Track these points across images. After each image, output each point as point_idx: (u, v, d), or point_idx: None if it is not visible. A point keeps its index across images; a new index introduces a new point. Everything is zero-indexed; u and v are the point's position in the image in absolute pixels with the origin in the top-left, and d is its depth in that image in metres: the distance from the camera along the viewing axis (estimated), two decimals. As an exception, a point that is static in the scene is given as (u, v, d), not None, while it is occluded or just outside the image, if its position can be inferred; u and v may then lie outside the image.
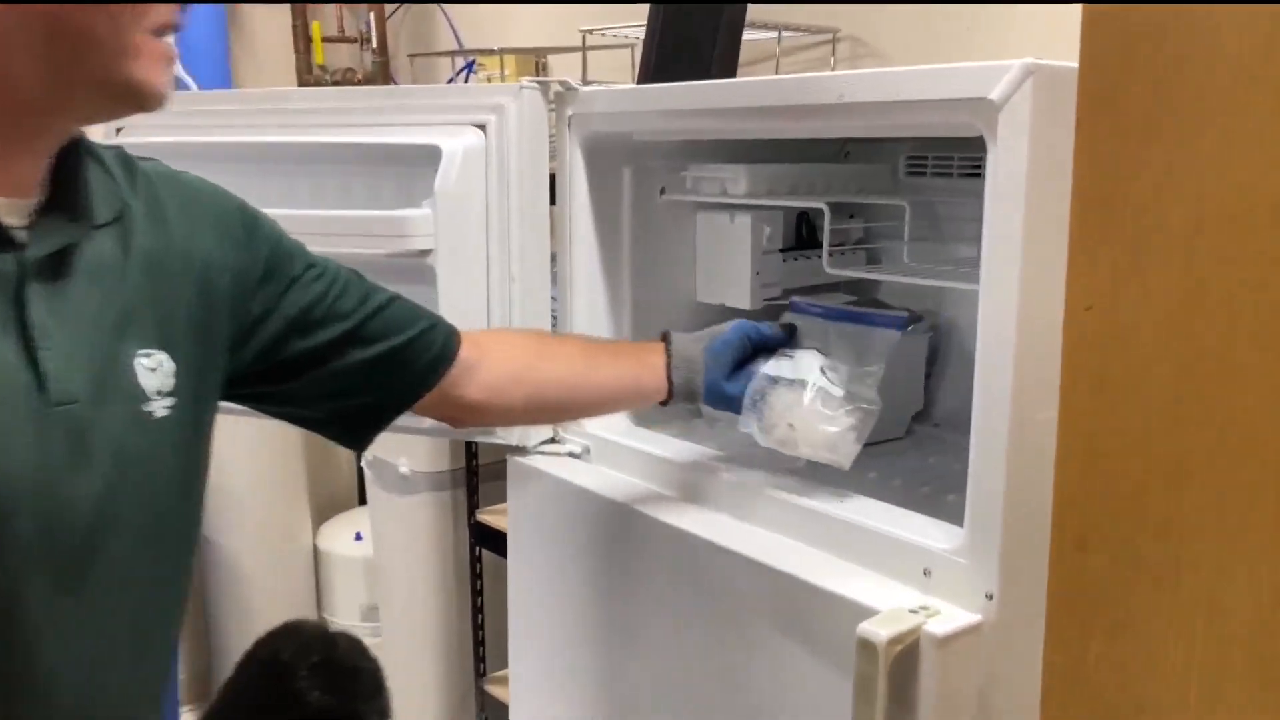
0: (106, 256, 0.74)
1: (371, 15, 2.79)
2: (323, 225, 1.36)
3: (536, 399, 1.08)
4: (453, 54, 2.55)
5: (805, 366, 1.13)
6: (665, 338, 1.15)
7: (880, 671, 0.89)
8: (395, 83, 2.86)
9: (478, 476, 2.17)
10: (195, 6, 2.49)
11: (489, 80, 2.49)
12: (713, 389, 1.14)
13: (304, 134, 1.44)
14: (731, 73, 1.54)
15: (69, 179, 0.73)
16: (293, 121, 1.47)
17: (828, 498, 1.11)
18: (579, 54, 2.05)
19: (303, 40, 2.87)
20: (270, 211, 1.42)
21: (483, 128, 1.34)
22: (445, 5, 2.79)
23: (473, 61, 2.59)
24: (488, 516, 2.12)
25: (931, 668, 0.91)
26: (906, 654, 0.90)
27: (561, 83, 1.35)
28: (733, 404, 1.14)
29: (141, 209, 0.78)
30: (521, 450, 1.39)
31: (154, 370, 0.76)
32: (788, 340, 1.18)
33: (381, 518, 2.45)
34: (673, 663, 1.19)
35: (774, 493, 1.13)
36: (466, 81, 2.64)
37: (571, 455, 1.37)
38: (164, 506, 0.77)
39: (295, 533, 2.77)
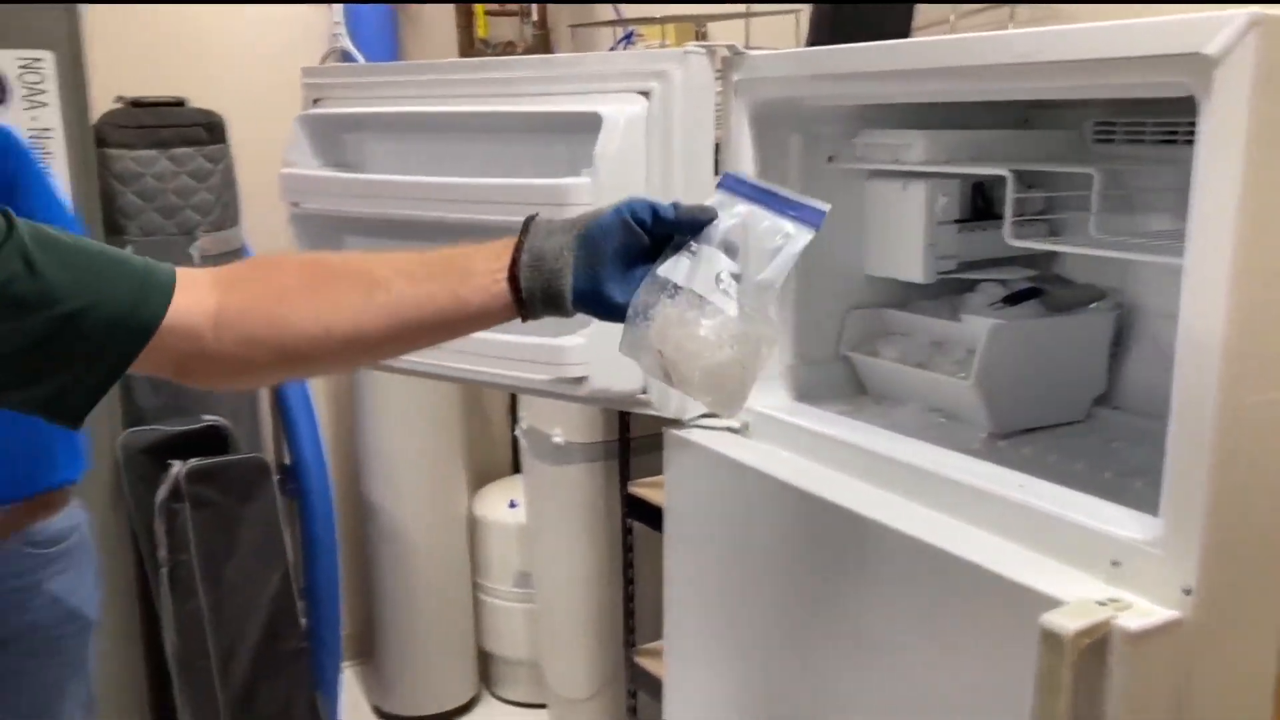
0: None
1: (532, -13, 2.81)
2: (485, 194, 1.37)
3: (288, 345, 0.84)
4: (613, 24, 2.54)
5: (703, 270, 0.86)
6: (524, 228, 0.88)
7: (1065, 665, 0.83)
8: (556, 53, 2.87)
9: (630, 448, 2.17)
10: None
11: (646, 48, 2.48)
12: (586, 294, 0.85)
13: (472, 104, 1.46)
14: (905, 33, 1.48)
15: None
16: (462, 92, 1.49)
17: (1006, 480, 1.05)
18: (741, 20, 2.01)
19: (465, 14, 2.91)
20: (438, 180, 1.46)
21: (646, 94, 1.32)
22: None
23: (631, 31, 2.58)
24: (640, 489, 2.12)
25: (1123, 664, 0.85)
26: (1095, 649, 0.85)
27: (729, 47, 1.32)
28: (617, 314, 0.86)
29: None
30: (678, 423, 1.37)
31: None
32: (697, 227, 0.88)
33: (535, 486, 2.48)
34: (834, 645, 1.16)
35: (948, 473, 1.08)
36: (625, 50, 2.63)
37: (730, 430, 1.34)
38: None
39: (452, 499, 2.84)
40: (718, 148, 1.35)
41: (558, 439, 2.32)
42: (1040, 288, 1.39)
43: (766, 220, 0.90)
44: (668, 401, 1.35)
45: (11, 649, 1.49)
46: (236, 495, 2.28)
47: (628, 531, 2.20)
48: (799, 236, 0.89)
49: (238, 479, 2.28)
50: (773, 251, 0.89)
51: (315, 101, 1.65)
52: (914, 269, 1.36)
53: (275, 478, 2.38)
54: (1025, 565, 0.96)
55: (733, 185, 0.93)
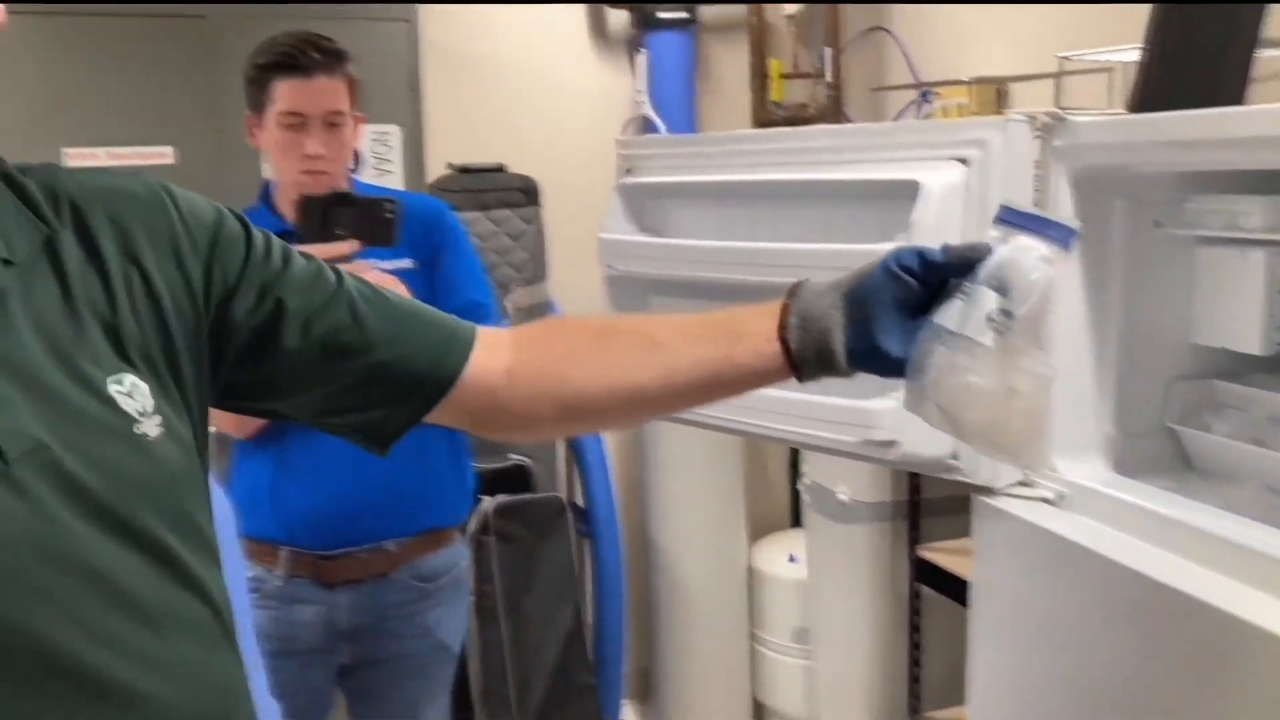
0: (40, 292, 0.71)
1: (828, 51, 2.86)
2: (800, 259, 1.42)
3: (569, 401, 0.89)
4: (913, 87, 2.55)
5: (975, 312, 0.80)
6: (792, 290, 0.87)
7: None
8: (847, 116, 2.91)
9: (920, 509, 2.15)
10: (668, 56, 2.67)
11: (944, 112, 2.47)
12: (861, 351, 0.82)
13: (784, 171, 1.52)
14: (1241, 93, 1.41)
15: None
16: (773, 160, 1.55)
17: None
18: (1047, 81, 1.98)
19: (759, 78, 3.01)
20: (753, 246, 1.52)
21: (963, 161, 1.33)
22: (901, 36, 2.80)
23: (929, 92, 2.58)
24: (931, 553, 2.09)
25: None
26: None
27: (1050, 114, 1.31)
28: (895, 367, 0.82)
29: (69, 233, 0.74)
30: (988, 491, 1.35)
31: (129, 394, 0.72)
32: (968, 266, 0.82)
33: (818, 543, 2.49)
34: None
35: (1294, 561, 1.02)
36: (920, 111, 2.63)
37: (1045, 501, 1.31)
38: (174, 521, 0.73)
39: (732, 548, 2.89)
40: (1034, 214, 1.34)
41: (843, 496, 2.32)
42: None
43: (1032, 249, 0.83)
44: (978, 467, 1.34)
45: (383, 670, 1.66)
46: (537, 532, 2.43)
47: (915, 595, 2.17)
48: (1056, 261, 0.83)
49: (538, 516, 2.44)
50: (1036, 282, 0.82)
51: (629, 170, 1.76)
52: (1251, 340, 1.29)
53: (570, 517, 2.53)
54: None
55: (1007, 217, 0.87)
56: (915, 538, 2.14)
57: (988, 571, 1.36)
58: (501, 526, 2.37)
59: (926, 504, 2.14)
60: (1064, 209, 1.31)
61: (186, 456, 0.75)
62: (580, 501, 2.70)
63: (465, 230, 1.74)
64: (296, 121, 1.55)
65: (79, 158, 2.41)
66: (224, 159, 2.52)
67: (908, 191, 1.33)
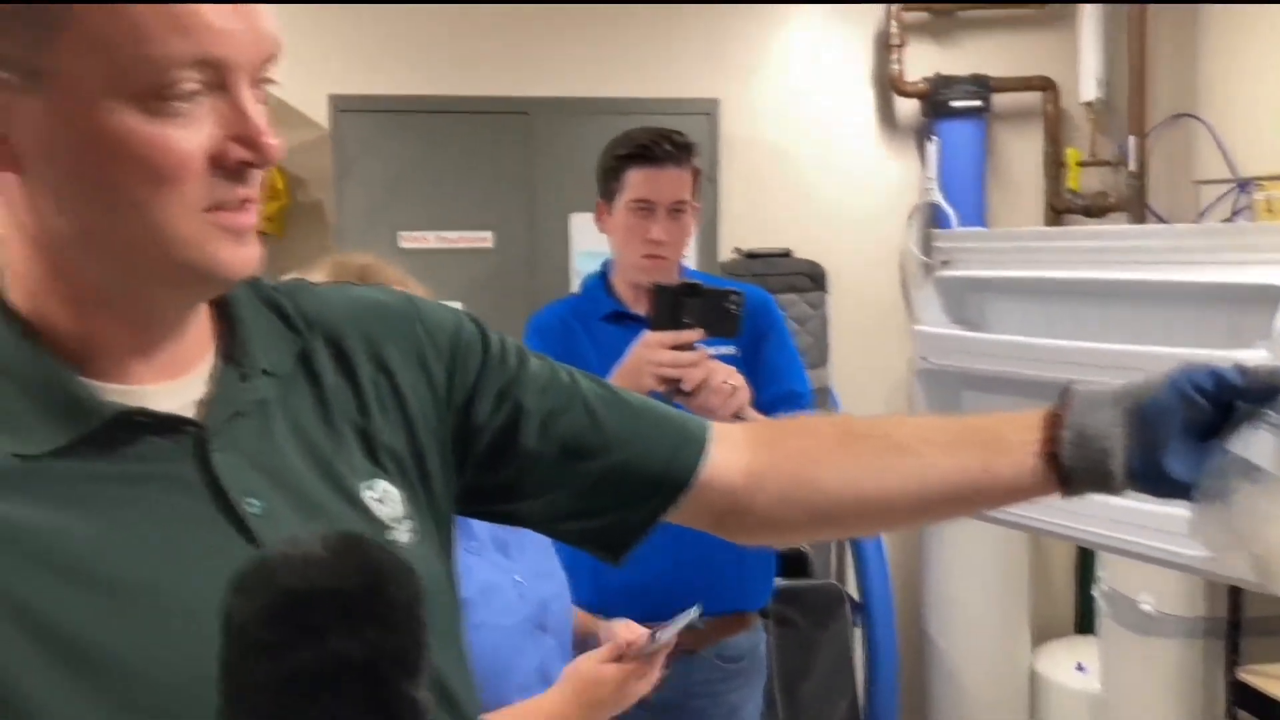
0: (296, 402, 0.72)
1: (1131, 138, 2.77)
2: (1143, 362, 1.38)
3: (820, 506, 0.84)
4: (1236, 182, 2.42)
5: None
6: (1063, 400, 0.81)
7: None
8: (1150, 207, 2.79)
9: (1242, 628, 1.99)
10: (958, 144, 2.64)
11: (1267, 206, 2.33)
12: (1141, 473, 0.78)
13: (1118, 271, 1.48)
14: None
15: (234, 334, 0.71)
16: (1104, 258, 1.52)
17: None
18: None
19: (1054, 165, 2.94)
20: (1091, 346, 1.48)
21: (1328, 266, 1.26)
22: (1213, 124, 2.67)
23: (1246, 182, 2.45)
24: (1254, 676, 1.94)
25: None
26: None
27: None
28: (1179, 490, 0.77)
29: (321, 344, 0.75)
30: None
31: (381, 500, 0.72)
32: (1269, 394, 0.75)
33: (1115, 655, 2.35)
34: None
35: None
36: (1237, 204, 2.50)
37: None
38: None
39: (1013, 650, 2.77)
40: None
41: (1146, 607, 2.18)
42: None
43: None
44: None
45: None
46: (814, 619, 2.42)
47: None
48: None
49: (817, 604, 2.43)
50: None
51: (944, 263, 1.77)
52: None
53: (847, 606, 2.50)
54: None
55: None
56: (1235, 658, 1.99)
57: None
58: (780, 611, 2.37)
59: (1249, 622, 1.98)
60: None
61: (435, 561, 0.75)
62: (854, 591, 2.67)
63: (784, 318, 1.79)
64: (645, 208, 1.64)
65: (411, 240, 2.65)
66: (536, 243, 2.71)
67: (1265, 296, 1.28)
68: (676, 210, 1.66)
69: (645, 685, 1.24)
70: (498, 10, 2.77)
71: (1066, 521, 1.41)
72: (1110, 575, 2.34)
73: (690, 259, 2.73)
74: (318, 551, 0.55)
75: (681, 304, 1.49)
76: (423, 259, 2.57)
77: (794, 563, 2.48)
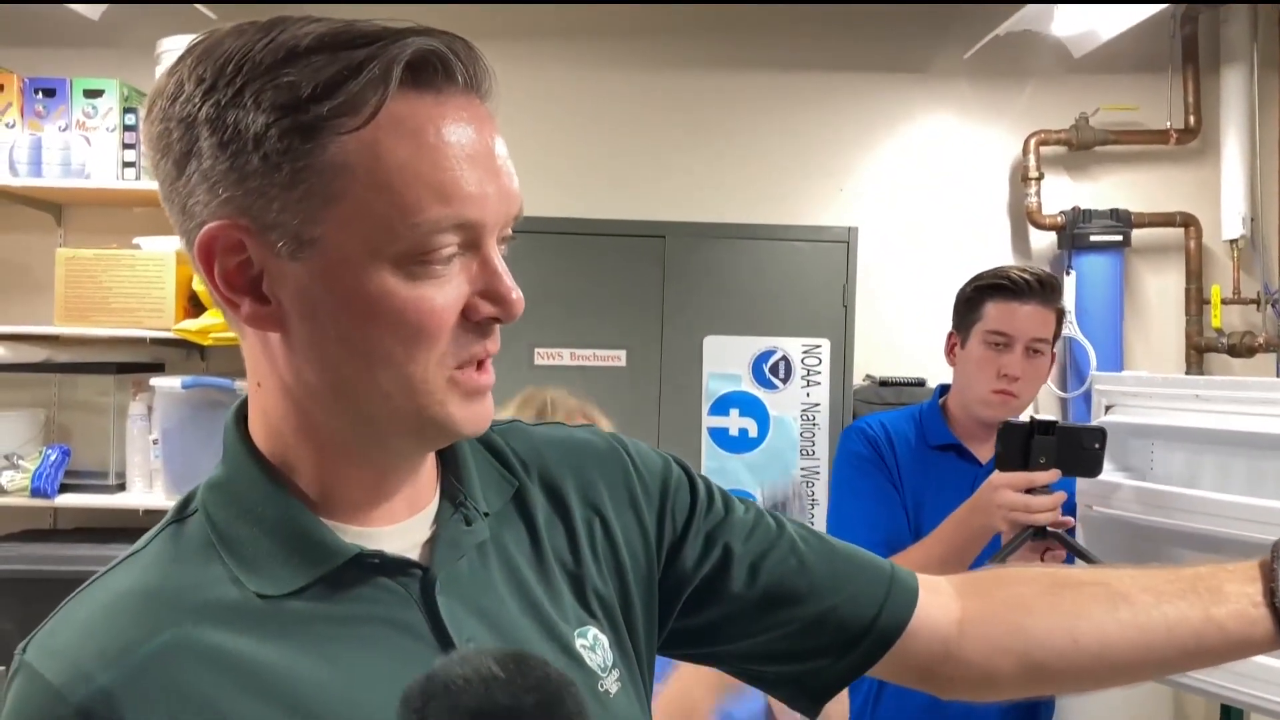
0: (512, 542, 0.72)
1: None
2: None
3: (1034, 657, 0.80)
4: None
5: None
6: (1275, 553, 0.79)
7: None
8: (1302, 347, 2.71)
9: None
10: (1096, 277, 2.53)
11: None
12: None
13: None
14: None
15: (456, 475, 0.72)
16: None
17: None
18: None
19: (1196, 304, 2.88)
20: (1268, 503, 1.41)
21: None
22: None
23: None
24: None
25: None
26: None
27: None
28: None
29: (535, 485, 0.76)
30: None
31: (592, 647, 0.72)
32: None
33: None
34: None
35: None
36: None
37: None
38: None
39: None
40: None
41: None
42: None
43: None
44: None
45: None
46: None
47: None
48: None
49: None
50: None
51: (1108, 408, 1.73)
52: None
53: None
54: None
55: None
56: None
57: None
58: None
59: None
60: None
61: (635, 706, 0.74)
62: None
63: None
64: (1001, 341, 1.60)
65: (546, 356, 2.70)
66: (668, 363, 2.73)
67: None
68: (1034, 350, 1.62)
69: None
70: (639, 137, 2.85)
71: (1212, 679, 1.34)
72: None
73: (823, 387, 2.73)
74: (492, 669, 0.56)
75: (1035, 443, 1.43)
76: (557, 375, 2.61)
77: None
